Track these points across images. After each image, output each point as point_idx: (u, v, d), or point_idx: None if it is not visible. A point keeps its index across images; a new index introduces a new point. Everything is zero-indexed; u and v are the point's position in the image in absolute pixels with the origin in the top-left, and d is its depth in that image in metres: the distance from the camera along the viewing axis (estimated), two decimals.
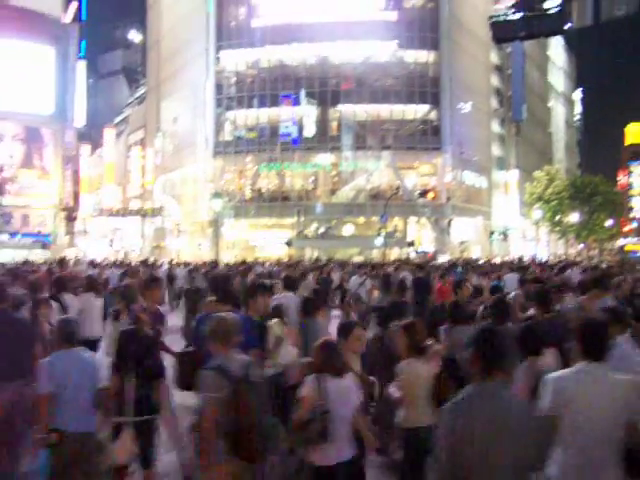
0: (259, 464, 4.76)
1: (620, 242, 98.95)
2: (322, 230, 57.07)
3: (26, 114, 58.55)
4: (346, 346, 5.66)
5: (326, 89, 60.36)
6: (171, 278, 23.65)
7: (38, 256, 47.41)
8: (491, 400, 3.51)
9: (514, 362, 4.17)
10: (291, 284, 9.77)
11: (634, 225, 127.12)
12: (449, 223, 58.07)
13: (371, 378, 6.00)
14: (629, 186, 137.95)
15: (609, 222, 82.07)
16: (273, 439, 4.85)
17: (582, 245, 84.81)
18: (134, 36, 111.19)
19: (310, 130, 58.85)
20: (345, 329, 5.93)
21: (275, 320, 7.27)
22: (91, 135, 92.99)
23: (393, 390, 5.81)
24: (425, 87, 60.73)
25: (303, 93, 58.34)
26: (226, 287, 6.91)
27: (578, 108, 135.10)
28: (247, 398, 4.65)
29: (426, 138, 60.93)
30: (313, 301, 7.96)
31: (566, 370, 4.35)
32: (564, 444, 4.00)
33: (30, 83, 58.39)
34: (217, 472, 4.61)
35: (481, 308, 8.10)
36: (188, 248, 59.64)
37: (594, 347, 4.19)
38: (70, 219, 67.98)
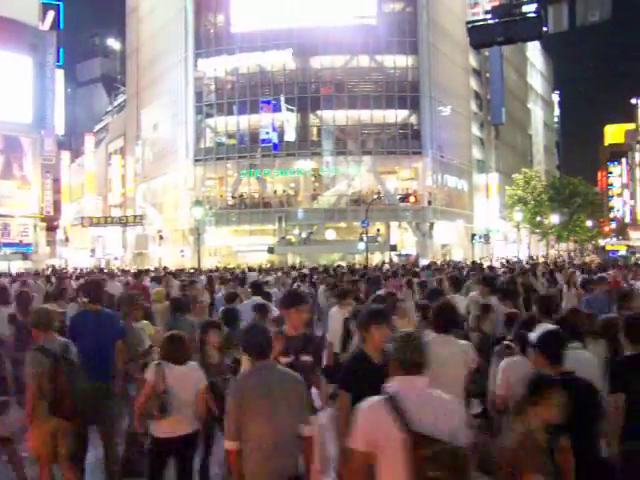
0: (77, 421, 6.37)
1: (601, 242, 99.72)
2: (304, 236, 57.09)
3: (4, 123, 58.08)
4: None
5: (306, 95, 60.42)
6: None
7: (19, 266, 47.09)
8: (267, 374, 4.74)
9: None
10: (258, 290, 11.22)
11: (614, 225, 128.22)
12: (431, 227, 58.31)
13: None
14: (609, 186, 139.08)
15: (589, 223, 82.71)
16: (91, 402, 6.63)
17: (563, 245, 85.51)
18: (113, 44, 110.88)
19: (290, 136, 58.88)
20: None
21: (145, 322, 8.86)
22: (70, 144, 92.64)
23: None
24: (405, 91, 60.94)
25: (283, 99, 58.38)
26: (96, 290, 8.03)
27: (556, 110, 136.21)
28: (63, 371, 6.22)
29: (406, 142, 61.14)
30: (182, 301, 9.43)
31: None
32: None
33: (7, 92, 57.89)
34: (41, 428, 6.18)
35: None
36: (170, 255, 59.43)
37: (446, 322, 6.13)
38: (51, 229, 67.59)
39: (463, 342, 6.30)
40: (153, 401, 5.90)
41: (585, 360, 5.46)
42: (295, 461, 4.74)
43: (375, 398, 3.80)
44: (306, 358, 6.15)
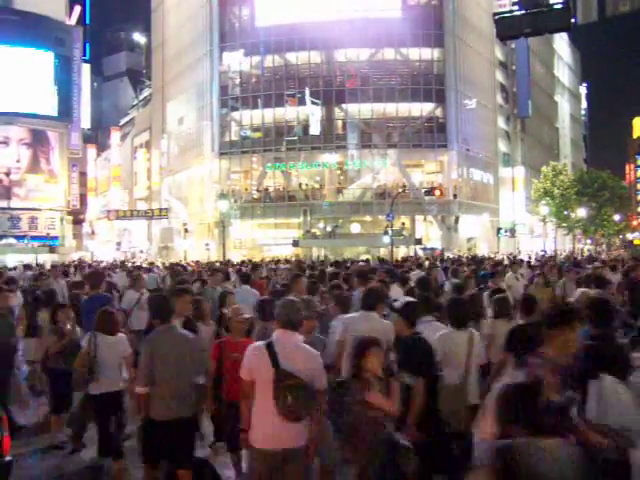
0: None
1: (628, 236, 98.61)
2: (329, 229, 57.05)
3: (31, 117, 58.74)
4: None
5: (331, 88, 60.29)
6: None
7: (45, 259, 47.55)
8: (170, 334, 6.29)
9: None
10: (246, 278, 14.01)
11: None
12: (456, 220, 57.97)
13: None
14: (637, 180, 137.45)
15: (617, 217, 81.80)
16: None
17: (590, 240, 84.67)
18: (138, 38, 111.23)
19: (315, 129, 58.81)
20: None
21: None
22: (97, 137, 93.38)
23: None
24: (430, 84, 60.59)
25: (308, 92, 58.30)
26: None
27: (584, 103, 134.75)
28: None
29: (432, 135, 60.80)
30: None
31: (353, 315, 7.60)
32: None
33: (34, 86, 58.55)
34: None
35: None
36: (195, 249, 59.69)
37: (368, 302, 7.37)
38: (77, 222, 68.20)
39: (386, 322, 7.49)
40: (85, 365, 7.28)
41: (436, 327, 7.19)
42: (191, 403, 6.29)
43: (258, 343, 5.44)
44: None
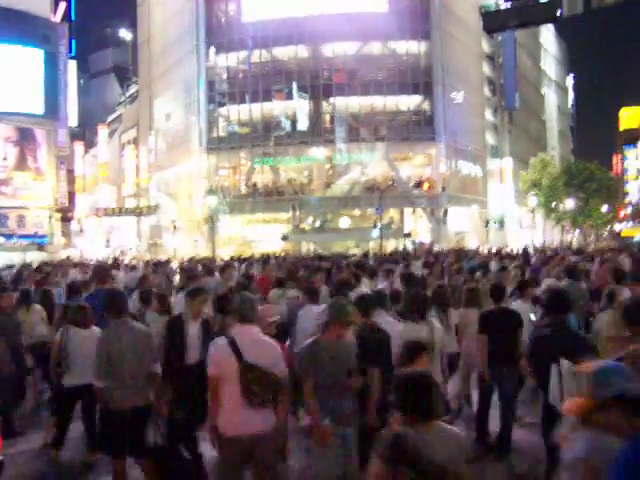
0: None
1: (616, 227, 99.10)
2: (318, 224, 57.06)
3: (18, 115, 58.38)
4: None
5: (318, 82, 60.27)
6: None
7: (34, 257, 47.35)
8: (123, 327, 6.68)
9: None
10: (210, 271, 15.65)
11: (629, 210, 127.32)
12: (445, 213, 58.12)
13: None
14: (624, 171, 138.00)
15: (604, 208, 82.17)
16: None
17: (578, 231, 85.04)
18: (124, 34, 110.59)
19: (303, 124, 58.79)
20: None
21: None
22: (84, 135, 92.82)
23: None
24: (417, 78, 60.67)
25: (295, 87, 58.25)
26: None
27: (570, 95, 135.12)
28: None
29: (420, 129, 60.91)
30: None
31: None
32: None
33: (20, 84, 58.15)
34: None
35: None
36: (185, 245, 59.61)
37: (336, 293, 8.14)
38: (66, 219, 67.87)
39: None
40: (56, 358, 7.79)
41: (387, 319, 7.53)
42: (147, 392, 6.65)
43: (221, 339, 5.67)
44: None
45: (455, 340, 9.17)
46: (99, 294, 9.80)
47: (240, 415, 5.46)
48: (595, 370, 3.17)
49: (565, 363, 5.10)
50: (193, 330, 7.54)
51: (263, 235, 59.99)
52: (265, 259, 25.95)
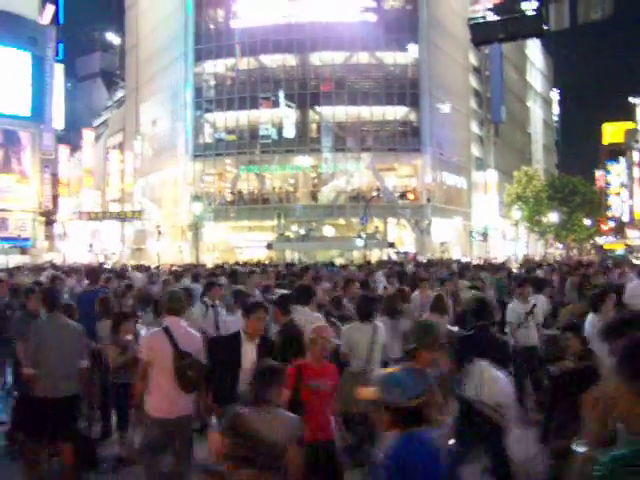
0: None
1: (598, 241, 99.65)
2: (303, 232, 57.05)
3: (3, 117, 57.98)
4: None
5: (305, 91, 60.40)
6: None
7: (17, 261, 46.99)
8: (56, 321, 7.07)
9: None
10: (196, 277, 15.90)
11: (612, 224, 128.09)
12: (429, 224, 58.29)
13: None
14: (607, 185, 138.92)
15: (588, 221, 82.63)
16: None
17: (562, 245, 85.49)
18: (112, 39, 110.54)
19: (290, 132, 58.87)
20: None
21: None
22: (70, 138, 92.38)
23: None
24: (404, 88, 60.93)
25: (282, 95, 58.34)
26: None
27: (556, 109, 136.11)
28: None
29: (406, 139, 61.15)
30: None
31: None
32: None
33: (7, 86, 57.78)
34: None
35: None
36: (169, 251, 59.38)
37: (300, 298, 8.00)
38: (49, 223, 67.49)
39: (315, 314, 8.16)
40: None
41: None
42: (75, 384, 7.00)
43: (155, 329, 6.41)
44: None
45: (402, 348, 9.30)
46: (88, 295, 10.58)
47: (169, 399, 5.94)
48: (382, 377, 3.53)
49: (483, 363, 5.40)
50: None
51: (247, 242, 59.93)
52: (250, 270, 25.76)
